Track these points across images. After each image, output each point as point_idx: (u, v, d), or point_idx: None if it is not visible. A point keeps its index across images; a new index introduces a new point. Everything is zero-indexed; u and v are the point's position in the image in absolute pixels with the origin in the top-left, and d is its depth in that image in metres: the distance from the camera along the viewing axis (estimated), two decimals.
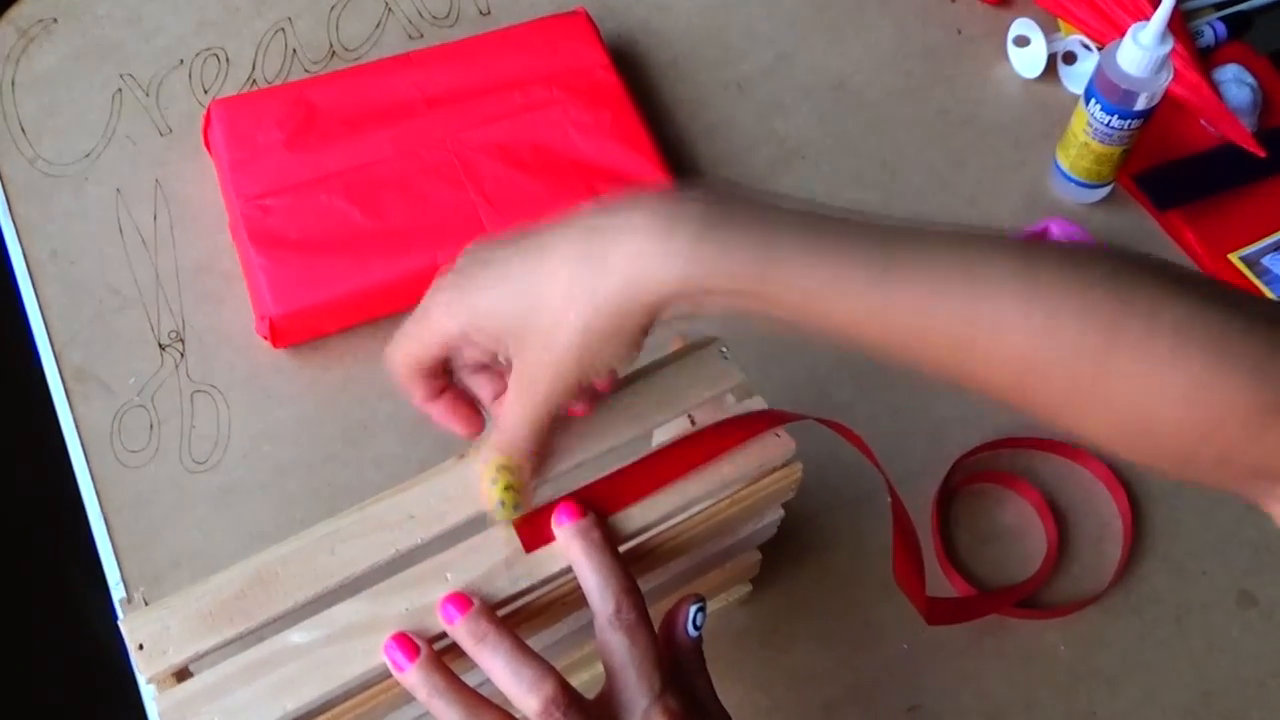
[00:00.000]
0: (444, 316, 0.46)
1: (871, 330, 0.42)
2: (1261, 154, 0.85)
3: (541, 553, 0.49)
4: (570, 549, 0.48)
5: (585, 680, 0.61)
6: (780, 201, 0.43)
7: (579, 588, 0.48)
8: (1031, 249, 0.42)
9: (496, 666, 0.45)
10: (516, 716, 0.46)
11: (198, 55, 0.90)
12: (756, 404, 0.54)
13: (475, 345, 0.46)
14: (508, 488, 0.48)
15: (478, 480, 0.49)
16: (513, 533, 0.49)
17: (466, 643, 0.46)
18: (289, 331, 0.75)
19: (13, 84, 0.88)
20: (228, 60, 0.90)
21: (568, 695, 0.45)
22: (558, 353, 0.43)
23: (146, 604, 0.48)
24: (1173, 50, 0.76)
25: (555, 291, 0.43)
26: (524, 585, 0.49)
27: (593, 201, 0.44)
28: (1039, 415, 0.43)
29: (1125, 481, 0.74)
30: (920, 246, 0.42)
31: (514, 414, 0.46)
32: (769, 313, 0.42)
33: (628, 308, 0.42)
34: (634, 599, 0.47)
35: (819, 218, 0.42)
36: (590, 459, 0.52)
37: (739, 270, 0.41)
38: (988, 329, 0.41)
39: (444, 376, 0.49)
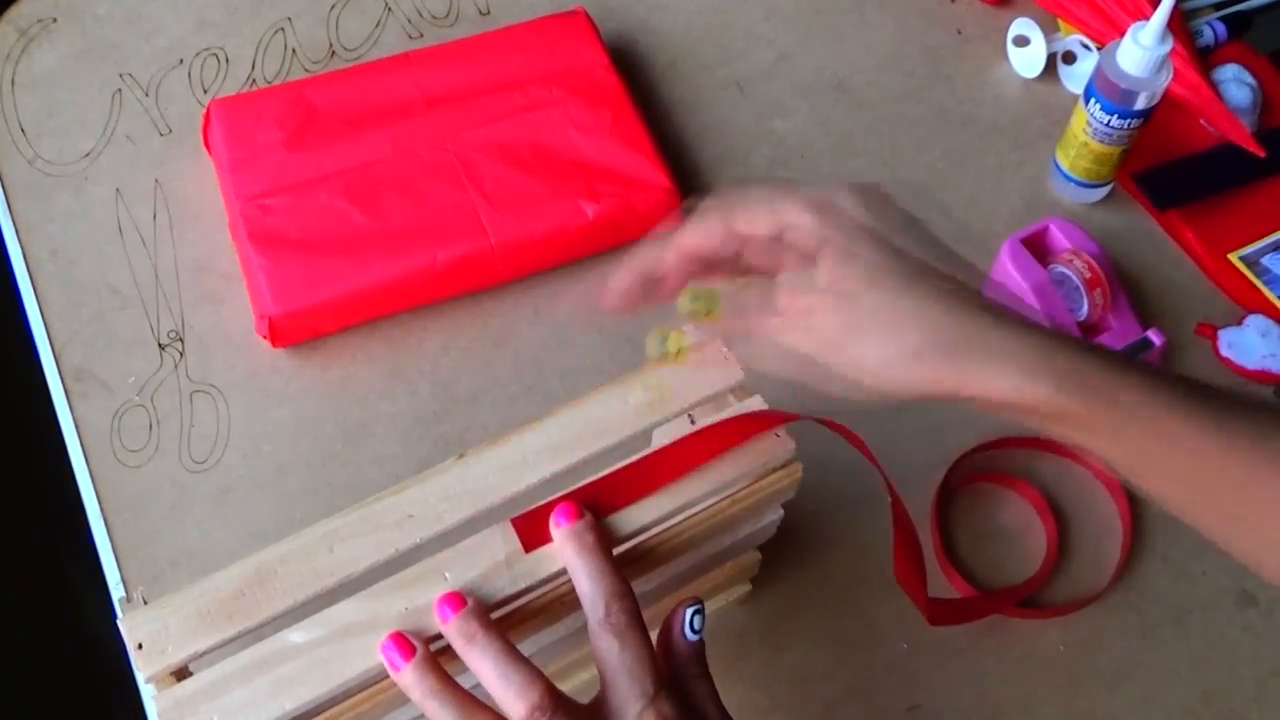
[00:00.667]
0: (800, 210, 0.48)
1: (1165, 481, 0.47)
2: (1261, 154, 0.85)
3: (540, 553, 0.49)
4: (564, 551, 0.48)
5: (584, 680, 0.61)
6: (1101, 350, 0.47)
7: None
8: None
9: (485, 669, 0.45)
10: None
11: (197, 55, 0.90)
12: (756, 404, 0.54)
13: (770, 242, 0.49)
14: (706, 310, 0.50)
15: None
16: (512, 531, 0.49)
17: (457, 643, 0.46)
18: (289, 331, 0.75)
19: (13, 84, 0.88)
20: (227, 60, 0.90)
21: (554, 700, 0.45)
22: (860, 363, 0.46)
23: (146, 603, 0.48)
24: (1172, 50, 0.76)
25: (913, 327, 0.45)
26: (523, 585, 0.48)
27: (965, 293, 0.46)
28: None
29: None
30: (1239, 416, 0.46)
31: (791, 338, 0.47)
32: (1080, 441, 0.46)
33: (956, 393, 0.46)
34: (625, 603, 0.47)
35: (1153, 372, 0.46)
36: (590, 457, 0.52)
37: (1085, 403, 0.45)
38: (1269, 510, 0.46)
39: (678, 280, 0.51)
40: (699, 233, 0.50)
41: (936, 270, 0.47)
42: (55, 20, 0.92)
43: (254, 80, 0.89)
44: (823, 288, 0.47)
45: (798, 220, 0.48)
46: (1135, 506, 0.73)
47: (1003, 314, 0.46)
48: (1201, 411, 0.45)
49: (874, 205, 0.48)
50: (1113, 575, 0.71)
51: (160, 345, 0.77)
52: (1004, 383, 0.44)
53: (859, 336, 0.46)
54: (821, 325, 0.46)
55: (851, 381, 0.47)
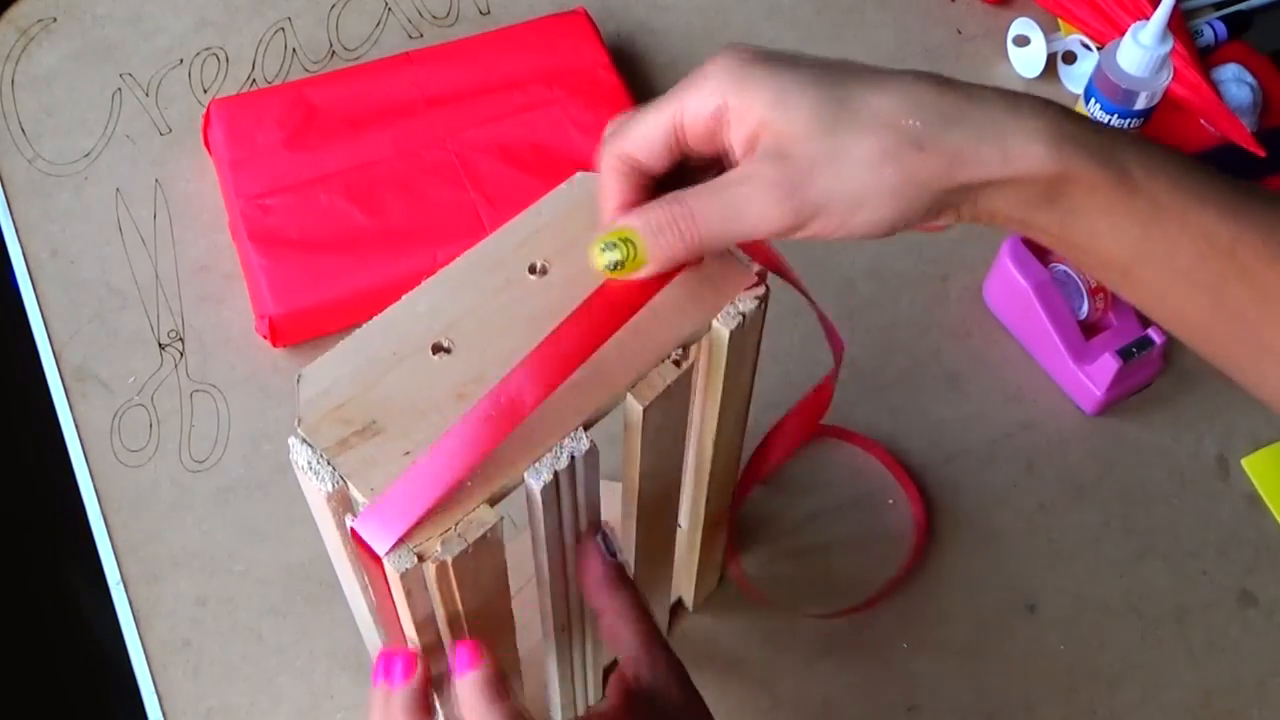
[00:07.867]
0: (717, 90, 0.40)
1: (1168, 278, 0.41)
2: (1261, 154, 0.84)
3: None
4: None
5: None
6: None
7: None
8: None
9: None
10: None
11: (198, 55, 0.90)
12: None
13: (707, 137, 0.41)
14: (630, 255, 0.42)
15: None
16: None
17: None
18: (289, 331, 0.75)
19: (13, 84, 0.88)
20: (228, 60, 0.90)
21: None
22: (838, 188, 0.39)
23: None
24: (1172, 50, 0.76)
25: (877, 128, 0.39)
26: None
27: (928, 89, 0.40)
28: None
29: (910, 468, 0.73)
30: (1251, 202, 0.41)
31: (710, 227, 0.40)
32: (1071, 229, 0.41)
33: (948, 185, 0.40)
34: None
35: (1156, 145, 0.42)
36: None
37: (1094, 166, 0.40)
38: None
39: (648, 183, 0.43)
40: (641, 130, 0.42)
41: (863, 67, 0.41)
42: (55, 20, 0.91)
43: (254, 80, 0.89)
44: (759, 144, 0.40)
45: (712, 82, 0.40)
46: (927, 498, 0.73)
47: (967, 88, 0.41)
48: (1213, 193, 0.40)
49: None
50: (904, 565, 0.70)
51: (160, 345, 0.77)
52: (999, 154, 0.39)
53: (827, 167, 0.39)
54: (779, 172, 0.39)
55: (838, 218, 0.40)
